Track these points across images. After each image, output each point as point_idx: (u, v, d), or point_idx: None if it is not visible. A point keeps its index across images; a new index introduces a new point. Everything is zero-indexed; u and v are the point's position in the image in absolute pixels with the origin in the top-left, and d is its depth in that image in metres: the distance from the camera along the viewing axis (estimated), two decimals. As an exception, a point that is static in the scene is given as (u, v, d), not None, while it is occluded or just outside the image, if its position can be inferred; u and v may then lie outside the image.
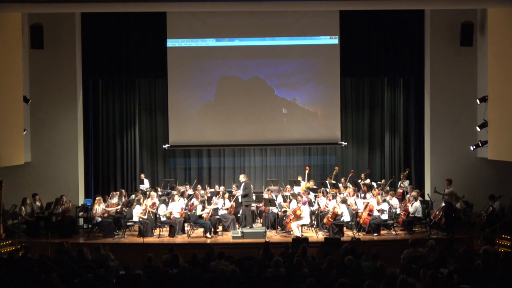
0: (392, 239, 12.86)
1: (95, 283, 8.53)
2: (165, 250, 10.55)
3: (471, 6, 13.75)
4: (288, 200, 13.60)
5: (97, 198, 13.49)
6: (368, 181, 15.19)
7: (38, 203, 14.07)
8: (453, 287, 7.46)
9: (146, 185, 15.67)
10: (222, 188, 14.78)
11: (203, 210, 13.18)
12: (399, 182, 15.26)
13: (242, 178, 14.14)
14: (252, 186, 14.32)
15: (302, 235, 12.78)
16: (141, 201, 13.51)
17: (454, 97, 14.83)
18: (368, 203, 13.09)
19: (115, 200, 13.90)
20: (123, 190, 14.63)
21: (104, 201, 13.57)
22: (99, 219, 13.17)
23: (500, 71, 12.93)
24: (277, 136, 15.81)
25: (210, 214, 13.21)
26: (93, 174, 15.86)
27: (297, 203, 13.04)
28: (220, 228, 13.64)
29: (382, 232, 13.21)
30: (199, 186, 14.98)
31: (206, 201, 13.71)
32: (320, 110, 15.76)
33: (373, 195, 13.54)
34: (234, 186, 14.64)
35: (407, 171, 15.42)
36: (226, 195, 13.89)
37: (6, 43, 13.09)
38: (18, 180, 14.38)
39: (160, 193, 14.78)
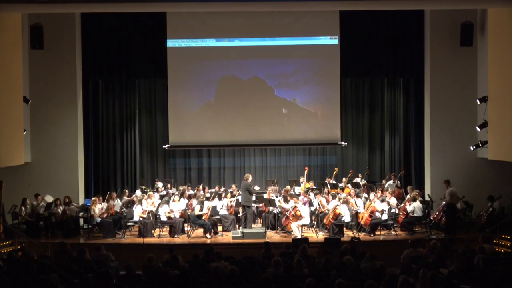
0: (392, 239, 12.85)
1: (95, 283, 8.52)
2: (165, 250, 10.55)
3: (471, 6, 13.75)
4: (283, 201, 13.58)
5: (92, 199, 13.44)
6: (364, 181, 15.16)
7: (42, 202, 14.05)
8: (453, 287, 7.46)
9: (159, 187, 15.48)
10: (222, 188, 14.77)
11: (201, 210, 13.18)
12: (393, 182, 15.22)
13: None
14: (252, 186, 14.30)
15: (302, 235, 12.79)
16: (142, 201, 13.49)
17: (454, 97, 14.83)
18: (371, 204, 13.07)
19: (116, 202, 13.88)
20: (126, 191, 14.63)
21: (104, 200, 13.55)
22: (99, 219, 13.17)
23: (500, 71, 12.92)
24: (277, 136, 15.80)
25: (209, 214, 13.21)
26: (93, 174, 15.88)
27: (294, 203, 13.00)
28: (220, 228, 13.64)
29: (382, 232, 13.21)
30: (200, 186, 14.99)
31: (203, 202, 13.67)
32: (320, 110, 15.76)
33: (376, 195, 13.52)
34: (233, 186, 14.63)
35: (402, 172, 15.43)
36: (229, 195, 13.89)
37: (6, 43, 13.07)
38: (18, 180, 14.40)
39: (160, 193, 14.77)
